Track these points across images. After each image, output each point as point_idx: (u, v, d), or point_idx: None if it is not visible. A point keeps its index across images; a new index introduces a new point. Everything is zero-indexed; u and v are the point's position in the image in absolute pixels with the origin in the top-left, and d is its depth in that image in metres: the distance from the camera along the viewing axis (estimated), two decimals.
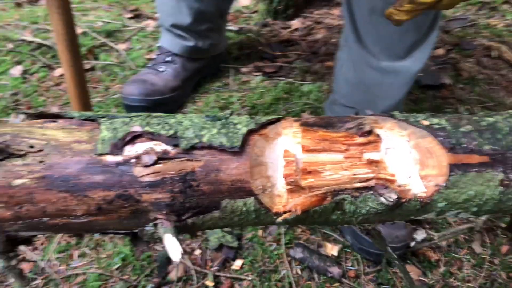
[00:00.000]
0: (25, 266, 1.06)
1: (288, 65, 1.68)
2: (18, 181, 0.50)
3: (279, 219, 0.53)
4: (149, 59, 1.69)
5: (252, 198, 0.53)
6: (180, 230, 0.53)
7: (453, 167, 0.54)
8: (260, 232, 1.14)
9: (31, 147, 0.51)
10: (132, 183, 0.51)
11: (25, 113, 0.62)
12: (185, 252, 1.11)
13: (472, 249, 1.10)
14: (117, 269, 1.06)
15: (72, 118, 0.56)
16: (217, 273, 1.06)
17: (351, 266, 1.09)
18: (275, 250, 1.11)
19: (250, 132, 0.54)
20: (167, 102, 1.42)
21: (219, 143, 0.52)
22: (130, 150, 0.52)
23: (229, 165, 0.52)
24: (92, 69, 1.66)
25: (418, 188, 0.54)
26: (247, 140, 0.54)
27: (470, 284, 1.04)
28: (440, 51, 1.73)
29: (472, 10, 1.99)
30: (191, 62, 1.50)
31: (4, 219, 0.51)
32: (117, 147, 0.51)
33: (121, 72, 1.64)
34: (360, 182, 0.54)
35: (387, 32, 1.02)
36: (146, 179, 0.51)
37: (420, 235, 0.70)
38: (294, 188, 0.54)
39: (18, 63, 1.67)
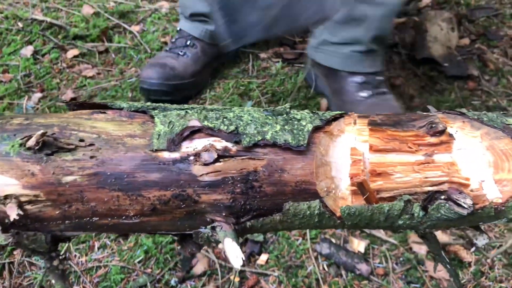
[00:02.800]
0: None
1: None
2: (68, 178, 0.46)
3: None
4: (164, 43, 1.63)
5: (317, 201, 0.49)
6: (240, 234, 0.49)
7: None
8: None
9: (81, 140, 0.47)
10: (190, 182, 0.47)
11: (64, 102, 0.57)
12: (208, 245, 1.08)
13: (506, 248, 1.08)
14: (139, 262, 1.02)
15: (121, 109, 0.51)
16: (242, 268, 1.03)
17: (379, 263, 1.06)
18: (301, 245, 1.08)
19: (315, 129, 0.50)
20: (187, 87, 1.38)
21: (283, 141, 0.48)
22: (188, 147, 0.48)
23: (294, 165, 0.48)
24: (106, 51, 1.60)
25: (493, 193, 0.51)
26: (312, 138, 0.50)
27: (502, 285, 1.01)
28: (465, 41, 1.69)
29: None
30: (211, 47, 1.45)
31: (51, 218, 0.47)
32: (175, 143, 0.47)
33: (136, 55, 1.58)
34: (432, 186, 0.50)
35: None
36: (206, 178, 0.47)
37: (481, 240, 0.67)
38: (360, 190, 0.50)
39: (29, 43, 1.61)
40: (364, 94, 1.21)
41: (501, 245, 1.06)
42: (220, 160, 0.47)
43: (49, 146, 0.46)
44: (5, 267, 1.01)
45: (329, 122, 0.52)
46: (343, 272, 1.04)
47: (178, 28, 1.49)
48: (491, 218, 0.52)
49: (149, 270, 1.01)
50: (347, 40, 1.21)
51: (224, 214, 0.48)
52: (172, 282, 1.00)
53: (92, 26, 1.70)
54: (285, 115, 0.51)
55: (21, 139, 0.45)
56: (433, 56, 1.55)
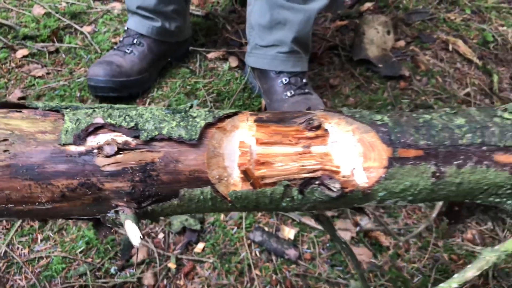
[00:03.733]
0: None
1: None
2: None
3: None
4: (115, 43, 1.68)
5: (209, 187, 0.57)
6: (140, 217, 0.56)
7: (391, 160, 0.59)
8: (222, 216, 1.19)
9: None
10: (94, 172, 0.54)
11: None
12: (148, 236, 1.15)
13: (419, 232, 1.19)
14: (81, 252, 1.08)
15: (36, 108, 0.58)
16: (180, 256, 1.11)
17: (307, 248, 1.16)
18: (236, 234, 1.16)
19: (208, 125, 0.58)
20: (133, 84, 1.44)
21: (178, 136, 0.56)
22: (92, 141, 0.55)
23: (187, 156, 0.56)
24: (57, 51, 1.64)
25: (361, 179, 0.60)
26: (204, 133, 0.57)
27: (415, 265, 1.12)
28: (401, 43, 1.80)
29: (433, 3, 2.07)
30: (158, 45, 1.51)
31: None
32: (80, 138, 0.54)
33: (86, 55, 1.63)
34: (308, 173, 0.59)
35: None
36: (108, 168, 0.54)
37: (364, 221, 0.76)
38: (246, 177, 0.58)
39: None
40: (288, 93, 1.32)
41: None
42: (121, 152, 0.54)
43: None
44: None
45: (222, 119, 0.60)
46: (273, 258, 1.13)
47: (125, 28, 1.54)
48: (361, 200, 0.61)
49: (90, 260, 1.07)
50: (273, 43, 1.34)
51: (125, 199, 0.55)
52: (112, 270, 1.06)
53: (43, 26, 1.73)
54: (183, 113, 0.59)
55: None
56: (369, 57, 1.66)
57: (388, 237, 1.17)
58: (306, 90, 1.35)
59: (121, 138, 0.55)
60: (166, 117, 0.57)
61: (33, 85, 1.50)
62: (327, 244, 1.17)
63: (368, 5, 2.00)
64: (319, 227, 1.19)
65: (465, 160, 0.60)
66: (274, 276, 1.09)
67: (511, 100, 1.62)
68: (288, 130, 0.60)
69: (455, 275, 0.64)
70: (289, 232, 1.17)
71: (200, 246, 1.13)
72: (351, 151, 0.60)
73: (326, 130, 0.60)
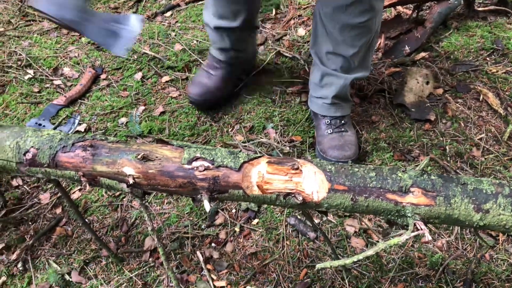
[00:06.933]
0: (137, 204, 1.88)
1: None
2: (151, 171, 1.26)
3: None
4: None
5: (242, 190, 1.24)
6: (211, 199, 1.26)
7: (330, 190, 1.21)
8: (271, 205, 1.86)
9: (157, 157, 1.27)
10: (193, 178, 1.25)
11: (154, 139, 1.38)
12: (226, 210, 1.87)
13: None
14: (187, 213, 1.85)
15: (172, 145, 1.31)
16: (242, 225, 1.81)
17: (320, 234, 1.77)
18: (279, 217, 1.83)
19: (244, 162, 1.25)
20: (216, 99, 2.22)
21: (230, 165, 1.24)
22: (194, 164, 1.25)
23: (233, 175, 1.24)
24: (187, 78, 2.44)
25: (315, 197, 1.22)
26: (243, 165, 1.25)
27: (392, 256, 1.68)
28: (439, 91, 2.26)
29: (484, 55, 2.45)
30: (230, 67, 2.22)
31: (144, 185, 1.28)
32: (189, 162, 1.25)
33: None
34: (288, 190, 1.23)
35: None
36: (199, 177, 1.24)
37: (322, 220, 1.34)
38: (259, 188, 1.24)
39: (140, 70, 2.50)
40: (328, 131, 1.93)
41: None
42: (205, 170, 1.24)
43: (144, 158, 1.26)
44: (118, 207, 1.89)
45: (252, 159, 1.26)
46: (299, 236, 1.78)
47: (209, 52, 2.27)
48: (315, 207, 1.24)
49: (191, 218, 1.83)
50: (320, 96, 1.94)
51: (205, 191, 1.26)
52: (203, 226, 1.81)
53: (180, 60, 2.54)
54: (234, 155, 1.27)
55: (136, 155, 1.27)
56: (405, 102, 2.17)
57: (378, 235, 1.74)
58: (343, 129, 1.95)
59: (206, 163, 1.25)
60: (227, 156, 1.26)
61: (170, 103, 2.32)
62: (337, 233, 1.78)
63: (422, 54, 2.47)
64: (334, 220, 1.80)
65: (370, 195, 1.19)
66: (297, 247, 1.74)
67: None
68: (283, 168, 1.25)
69: (362, 253, 1.23)
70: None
71: (255, 221, 1.82)
72: (311, 183, 1.23)
73: (301, 170, 1.24)
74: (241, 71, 2.31)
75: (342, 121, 1.96)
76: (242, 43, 2.17)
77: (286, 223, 1.81)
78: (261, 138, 2.10)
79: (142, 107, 2.28)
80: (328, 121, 1.96)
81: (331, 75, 1.88)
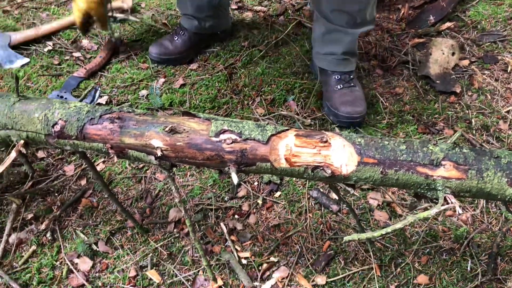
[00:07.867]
0: (161, 176, 1.90)
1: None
2: (179, 143, 1.26)
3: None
4: (243, 46, 2.40)
5: (269, 163, 1.24)
6: (239, 171, 1.26)
7: (360, 163, 1.20)
8: (294, 178, 1.86)
9: (184, 130, 1.26)
10: (221, 150, 1.24)
11: (181, 111, 1.38)
12: (249, 182, 1.87)
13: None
14: (210, 185, 1.86)
15: (200, 117, 1.30)
16: (265, 197, 1.82)
17: (346, 207, 1.78)
18: (301, 190, 1.83)
19: (272, 135, 1.24)
20: (176, 60, 2.31)
21: (258, 138, 1.23)
22: (222, 136, 1.25)
23: (261, 148, 1.24)
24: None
25: (344, 170, 1.21)
26: (270, 138, 1.24)
27: (415, 229, 1.68)
28: (465, 62, 2.21)
29: None
30: (196, 36, 2.30)
31: (171, 157, 1.28)
32: (217, 135, 1.25)
33: (223, 55, 2.37)
34: (317, 163, 1.22)
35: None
36: (227, 149, 1.24)
37: (351, 191, 1.32)
38: (287, 161, 1.24)
39: None
40: (338, 86, 1.96)
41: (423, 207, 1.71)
42: (233, 143, 1.24)
43: (172, 130, 1.26)
44: (142, 179, 1.90)
45: (280, 132, 1.25)
46: (322, 208, 1.78)
47: (178, 22, 2.37)
48: (343, 180, 1.23)
49: (214, 190, 1.84)
50: (329, 52, 1.97)
51: (233, 163, 1.25)
52: (226, 199, 1.82)
53: None
54: (262, 127, 1.26)
55: (164, 127, 1.26)
56: (430, 74, 2.12)
57: (402, 209, 1.74)
58: (352, 84, 1.98)
59: (233, 136, 1.24)
60: (254, 128, 1.25)
61: (190, 75, 2.30)
62: (360, 206, 1.78)
63: (448, 24, 2.40)
64: (357, 193, 1.80)
65: (400, 168, 1.18)
66: (320, 219, 1.75)
67: None
68: (311, 141, 1.23)
69: (391, 226, 1.23)
70: (334, 195, 1.80)
71: (277, 194, 1.83)
72: (340, 156, 1.22)
73: (330, 143, 1.23)
74: (209, 42, 2.41)
75: (351, 76, 1.99)
76: (208, 10, 2.24)
77: (309, 196, 1.81)
78: (281, 110, 2.09)
79: (162, 79, 2.27)
80: (338, 77, 1.99)
81: (338, 31, 1.91)
